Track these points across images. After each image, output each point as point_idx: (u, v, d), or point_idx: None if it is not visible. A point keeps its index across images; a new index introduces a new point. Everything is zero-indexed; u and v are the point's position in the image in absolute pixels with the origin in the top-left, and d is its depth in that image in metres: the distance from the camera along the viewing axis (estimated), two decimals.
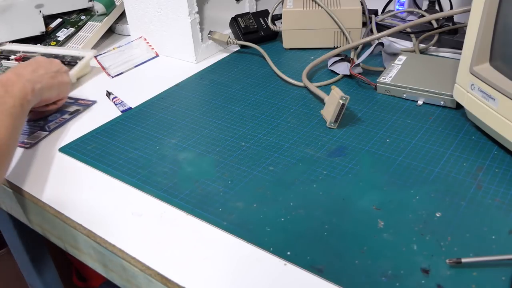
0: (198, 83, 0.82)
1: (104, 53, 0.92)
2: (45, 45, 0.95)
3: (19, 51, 0.91)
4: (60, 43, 0.96)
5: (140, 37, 0.95)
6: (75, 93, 0.82)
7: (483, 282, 0.42)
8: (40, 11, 0.97)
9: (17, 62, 0.88)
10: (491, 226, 0.48)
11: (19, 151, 0.67)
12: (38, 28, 0.96)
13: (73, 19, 1.01)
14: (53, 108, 0.74)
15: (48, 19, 0.98)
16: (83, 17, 1.01)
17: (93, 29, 0.98)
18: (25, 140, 0.70)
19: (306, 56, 0.89)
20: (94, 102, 0.79)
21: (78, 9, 1.02)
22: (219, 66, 0.88)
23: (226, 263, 0.47)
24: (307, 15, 0.88)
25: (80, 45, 0.95)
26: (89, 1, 1.01)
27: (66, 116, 0.75)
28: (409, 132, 0.64)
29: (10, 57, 0.89)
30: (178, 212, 0.54)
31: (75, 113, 0.76)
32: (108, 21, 0.99)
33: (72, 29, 0.99)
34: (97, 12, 1.00)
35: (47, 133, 0.71)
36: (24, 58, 0.88)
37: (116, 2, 1.01)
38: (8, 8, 0.92)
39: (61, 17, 1.00)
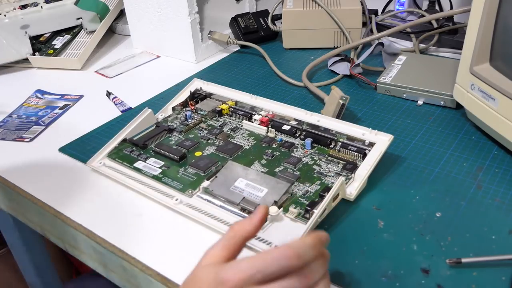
0: None
1: (103, 67, 0.91)
2: (42, 54, 0.93)
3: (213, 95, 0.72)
4: (58, 51, 0.94)
5: (142, 52, 0.96)
6: (66, 91, 0.82)
7: (483, 282, 0.42)
8: (26, 32, 0.93)
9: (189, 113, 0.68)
10: (491, 226, 0.48)
11: (19, 150, 0.67)
12: (25, 50, 0.91)
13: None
14: None
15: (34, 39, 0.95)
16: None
17: (91, 34, 0.96)
18: (24, 135, 0.70)
19: (306, 56, 0.89)
20: (81, 96, 0.80)
21: (66, 28, 0.98)
22: (219, 66, 0.88)
23: None
24: (307, 15, 0.88)
25: (79, 50, 0.93)
26: (77, 19, 0.97)
27: (58, 110, 0.77)
28: (409, 132, 0.64)
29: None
30: (178, 212, 0.53)
31: (66, 107, 0.77)
32: (105, 24, 0.97)
33: (68, 36, 0.97)
34: (86, 29, 0.97)
35: (44, 127, 0.72)
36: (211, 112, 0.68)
37: (111, 3, 0.99)
38: None
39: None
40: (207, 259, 0.38)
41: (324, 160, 0.57)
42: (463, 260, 0.44)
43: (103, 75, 0.89)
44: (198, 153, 0.60)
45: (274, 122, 0.64)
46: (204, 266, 0.37)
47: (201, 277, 0.37)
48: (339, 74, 0.80)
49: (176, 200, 0.53)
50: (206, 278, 0.36)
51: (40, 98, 0.82)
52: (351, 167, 0.55)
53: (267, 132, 0.63)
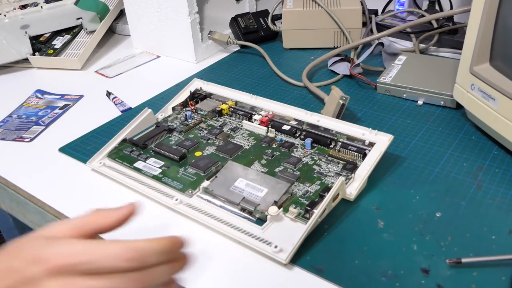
0: None
1: (103, 67, 0.91)
2: (42, 54, 0.93)
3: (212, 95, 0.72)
4: (58, 51, 0.93)
5: (142, 52, 0.95)
6: (66, 91, 0.82)
7: (483, 282, 0.42)
8: (26, 32, 0.93)
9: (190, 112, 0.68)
10: (491, 226, 0.48)
11: (19, 150, 0.67)
12: (25, 50, 0.91)
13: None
14: None
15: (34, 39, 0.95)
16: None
17: (91, 34, 0.96)
18: (24, 135, 0.70)
19: (306, 56, 0.89)
20: (81, 96, 0.80)
21: (66, 28, 0.98)
22: (219, 66, 0.88)
23: (226, 263, 0.47)
24: (307, 15, 0.88)
25: (79, 50, 0.93)
26: (77, 19, 0.97)
27: (58, 110, 0.77)
28: (409, 132, 0.64)
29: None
30: (178, 212, 0.53)
31: (66, 107, 0.77)
32: (105, 24, 0.96)
33: (68, 36, 0.97)
34: (86, 29, 0.97)
35: (44, 127, 0.72)
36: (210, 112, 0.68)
37: (111, 3, 0.99)
38: None
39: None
40: (49, 231, 0.33)
41: (324, 160, 0.57)
42: (463, 260, 0.44)
43: (103, 75, 0.89)
44: (198, 153, 0.60)
45: (274, 122, 0.64)
46: (38, 236, 0.33)
47: (24, 247, 0.32)
48: (339, 74, 0.80)
49: (176, 200, 0.53)
50: (27, 250, 0.31)
51: (40, 98, 0.82)
52: (351, 167, 0.55)
53: (267, 132, 0.63)
